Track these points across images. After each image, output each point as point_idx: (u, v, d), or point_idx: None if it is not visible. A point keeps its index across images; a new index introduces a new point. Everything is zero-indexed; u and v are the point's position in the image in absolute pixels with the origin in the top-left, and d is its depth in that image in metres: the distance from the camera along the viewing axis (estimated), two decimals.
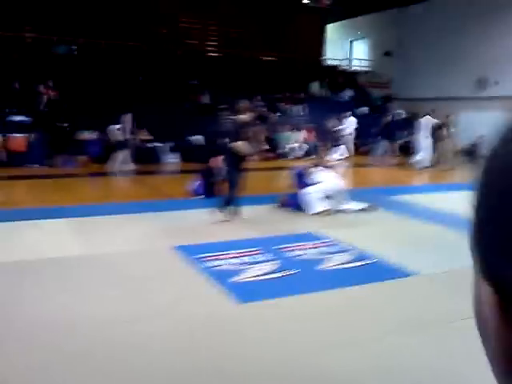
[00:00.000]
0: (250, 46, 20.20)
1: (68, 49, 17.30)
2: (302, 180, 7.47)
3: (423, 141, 13.60)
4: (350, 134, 15.90)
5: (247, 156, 6.43)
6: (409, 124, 19.01)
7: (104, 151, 12.03)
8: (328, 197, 7.15)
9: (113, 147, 11.42)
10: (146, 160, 12.49)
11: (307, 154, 15.32)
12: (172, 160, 12.96)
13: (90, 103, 13.70)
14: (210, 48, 20.86)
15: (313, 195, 7.02)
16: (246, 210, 6.99)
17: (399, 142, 17.43)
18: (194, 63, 18.20)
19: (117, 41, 17.82)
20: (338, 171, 12.21)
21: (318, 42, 23.07)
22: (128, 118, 11.40)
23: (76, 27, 17.42)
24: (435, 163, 13.32)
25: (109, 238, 5.53)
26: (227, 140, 6.60)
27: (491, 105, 17.76)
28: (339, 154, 15.64)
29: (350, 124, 15.91)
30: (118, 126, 11.36)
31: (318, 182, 7.18)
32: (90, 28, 17.62)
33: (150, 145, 13.30)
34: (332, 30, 24.31)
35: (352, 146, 16.04)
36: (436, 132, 13.31)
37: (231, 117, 6.68)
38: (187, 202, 7.68)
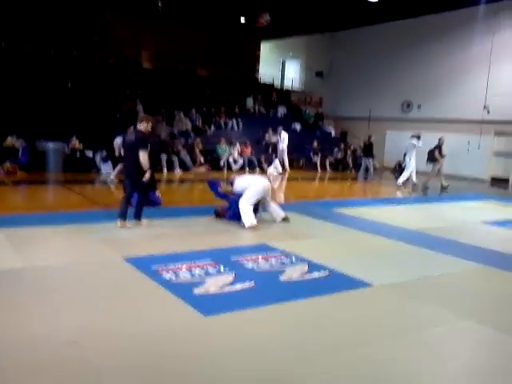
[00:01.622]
0: (185, 60, 20.03)
1: None
2: (216, 188, 7.33)
3: (408, 161, 13.55)
4: (283, 149, 16.21)
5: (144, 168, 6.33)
6: (339, 141, 19.77)
7: (31, 159, 11.32)
8: (258, 202, 7.01)
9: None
10: (77, 169, 11.90)
11: (242, 167, 15.37)
12: (105, 169, 12.40)
13: (14, 108, 12.84)
14: (143, 59, 20.43)
15: (245, 208, 6.74)
16: (186, 222, 6.91)
17: (330, 158, 18.00)
18: (128, 73, 17.72)
19: (44, 45, 16.94)
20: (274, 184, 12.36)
21: (252, 59, 23.40)
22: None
23: None
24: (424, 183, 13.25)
25: (49, 249, 5.11)
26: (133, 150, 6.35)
27: (414, 126, 18.91)
28: (273, 167, 15.84)
29: (282, 139, 16.21)
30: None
31: (246, 188, 6.92)
32: (14, 31, 16.62)
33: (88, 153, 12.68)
34: (266, 48, 24.76)
35: (287, 160, 16.33)
36: (431, 153, 13.27)
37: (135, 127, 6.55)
38: None
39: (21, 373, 2.64)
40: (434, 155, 13.28)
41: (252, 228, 6.63)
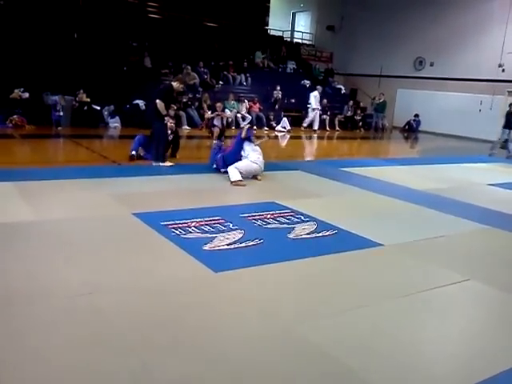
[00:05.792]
0: (192, 10, 19.49)
1: None
2: (218, 156, 7.44)
3: None
4: (314, 109, 16.13)
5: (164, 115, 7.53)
6: (349, 99, 19.43)
7: (40, 112, 11.24)
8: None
9: None
10: (84, 123, 11.84)
11: (250, 124, 15.19)
12: (112, 124, 12.33)
13: (20, 60, 12.63)
14: (151, 9, 19.90)
15: (232, 169, 6.89)
16: (195, 179, 6.97)
17: (339, 117, 17.76)
18: (135, 23, 17.28)
19: None
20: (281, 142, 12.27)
21: (261, 11, 22.75)
22: None
23: None
24: None
25: (58, 203, 5.14)
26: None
27: (426, 84, 18.54)
28: (281, 126, 15.69)
29: (315, 99, 16.14)
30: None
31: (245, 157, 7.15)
32: None
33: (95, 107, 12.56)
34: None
35: (317, 121, 16.28)
36: None
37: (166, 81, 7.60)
38: (133, 169, 7.36)
39: (35, 322, 2.71)
40: None
41: (237, 183, 6.69)
